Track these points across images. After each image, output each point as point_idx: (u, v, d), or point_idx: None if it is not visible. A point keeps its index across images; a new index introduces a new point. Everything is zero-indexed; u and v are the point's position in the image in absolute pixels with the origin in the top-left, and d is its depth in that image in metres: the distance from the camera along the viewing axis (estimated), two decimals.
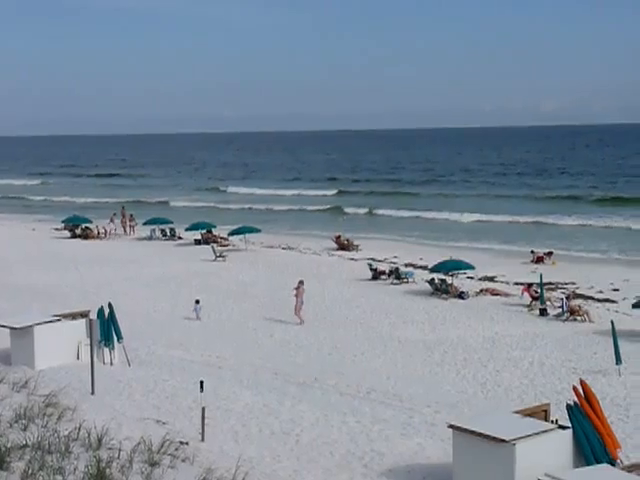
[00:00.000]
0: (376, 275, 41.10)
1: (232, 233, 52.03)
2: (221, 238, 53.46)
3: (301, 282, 32.15)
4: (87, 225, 59.51)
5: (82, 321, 24.36)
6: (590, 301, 34.69)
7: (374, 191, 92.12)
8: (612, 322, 25.23)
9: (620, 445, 15.87)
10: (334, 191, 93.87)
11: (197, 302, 31.89)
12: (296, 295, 31.70)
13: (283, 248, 51.99)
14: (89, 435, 15.13)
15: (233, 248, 51.22)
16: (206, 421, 18.13)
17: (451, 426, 15.69)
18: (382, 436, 18.70)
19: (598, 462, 14.67)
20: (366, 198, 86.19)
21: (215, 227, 55.63)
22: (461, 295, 36.21)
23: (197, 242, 53.75)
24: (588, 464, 14.68)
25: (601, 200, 78.10)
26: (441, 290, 36.90)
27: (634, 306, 30.46)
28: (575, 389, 15.92)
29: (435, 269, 38.20)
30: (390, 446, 18.03)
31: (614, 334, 24.17)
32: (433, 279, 37.73)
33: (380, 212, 72.72)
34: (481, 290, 37.20)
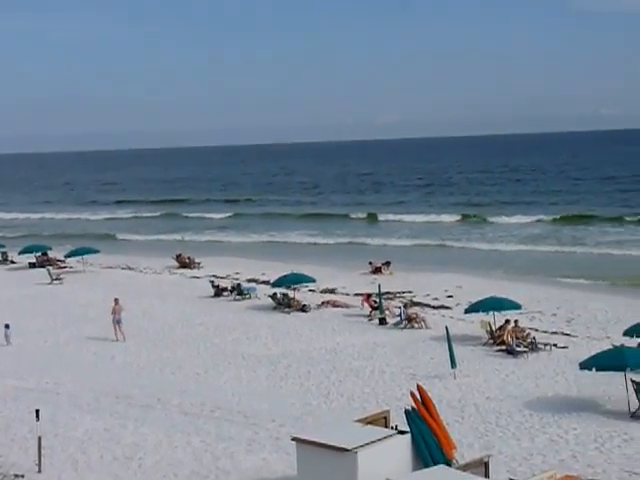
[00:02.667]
0: (218, 292, 40.97)
1: (69, 255, 50.48)
2: (57, 260, 51.74)
3: (116, 300, 32.33)
4: None
5: None
6: (426, 308, 35.93)
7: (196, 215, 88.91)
8: (447, 328, 26.21)
9: (456, 446, 16.55)
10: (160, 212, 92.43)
11: (7, 327, 30.94)
12: (113, 313, 31.75)
13: (123, 268, 50.92)
14: None
15: (71, 270, 49.69)
16: (43, 451, 17.51)
17: (294, 439, 15.86)
18: (227, 454, 18.66)
19: (435, 463, 15.20)
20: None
21: (50, 249, 53.82)
22: (303, 308, 36.63)
23: (32, 265, 51.78)
24: (426, 466, 15.19)
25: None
26: (284, 304, 37.20)
27: (466, 311, 31.81)
28: (412, 394, 16.45)
29: (277, 283, 38.48)
30: (235, 463, 18.02)
31: (449, 339, 25.13)
32: (275, 294, 37.99)
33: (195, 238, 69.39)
34: (322, 302, 37.75)
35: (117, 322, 31.60)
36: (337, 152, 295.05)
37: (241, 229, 73.23)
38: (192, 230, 73.91)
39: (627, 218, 66.71)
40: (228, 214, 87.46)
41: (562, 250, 53.23)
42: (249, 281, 44.11)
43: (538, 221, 68.62)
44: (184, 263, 50.93)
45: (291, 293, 37.96)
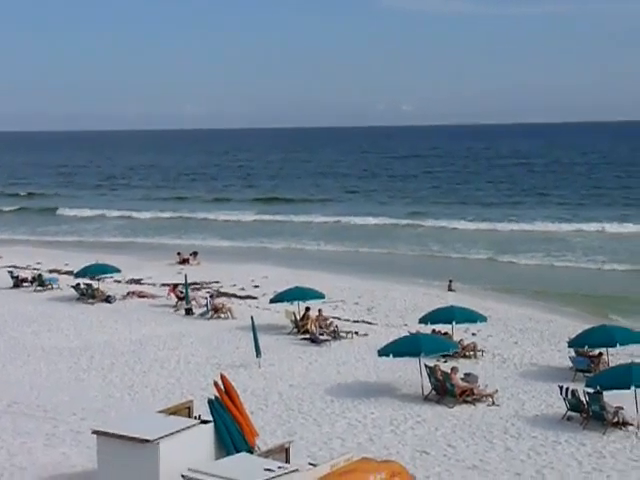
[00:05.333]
0: (18, 283, 39.40)
1: None
2: None
3: None
4: None
5: None
6: (233, 298, 36.23)
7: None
8: (252, 317, 26.56)
9: (258, 433, 16.86)
10: None
11: None
12: None
13: None
14: None
15: None
16: None
17: (95, 431, 15.60)
18: (24, 449, 18.06)
19: (238, 451, 15.44)
20: None
21: None
22: (108, 299, 35.91)
23: None
24: (229, 454, 15.39)
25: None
26: (87, 295, 36.30)
27: (272, 301, 32.34)
28: (216, 384, 16.59)
29: (80, 274, 37.43)
30: (32, 459, 17.48)
31: (254, 329, 25.47)
32: (78, 284, 36.98)
33: None
34: (128, 293, 37.19)
35: None
36: (147, 141, 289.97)
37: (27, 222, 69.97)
38: None
39: (425, 220, 66.28)
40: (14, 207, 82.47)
41: (360, 250, 52.92)
42: (51, 272, 42.72)
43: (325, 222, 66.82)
44: None
45: (95, 284, 37.07)
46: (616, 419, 19.83)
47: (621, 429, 19.76)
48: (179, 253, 46.91)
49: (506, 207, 74.20)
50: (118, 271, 38.42)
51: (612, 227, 58.91)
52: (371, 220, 66.62)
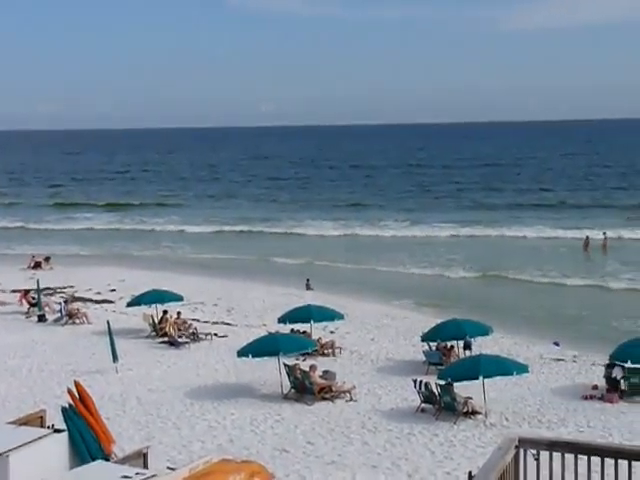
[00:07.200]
0: None
1: None
2: None
3: None
4: None
5: None
6: (89, 303, 35.39)
7: None
8: (108, 322, 26.02)
9: (115, 440, 16.52)
10: None
11: None
12: None
13: None
14: None
15: None
16: None
17: None
18: None
19: (93, 460, 15.09)
20: None
21: None
22: None
23: None
24: (84, 463, 15.02)
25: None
26: None
27: (129, 305, 31.78)
28: (69, 391, 16.17)
29: None
30: None
31: (110, 334, 24.98)
32: None
33: None
34: None
35: None
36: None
37: None
38: None
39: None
40: None
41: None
42: None
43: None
44: None
45: None
46: (466, 409, 20.69)
47: (470, 418, 20.64)
48: (34, 256, 45.48)
49: (361, 209, 75.07)
50: None
51: (465, 230, 59.94)
52: (219, 226, 65.42)
